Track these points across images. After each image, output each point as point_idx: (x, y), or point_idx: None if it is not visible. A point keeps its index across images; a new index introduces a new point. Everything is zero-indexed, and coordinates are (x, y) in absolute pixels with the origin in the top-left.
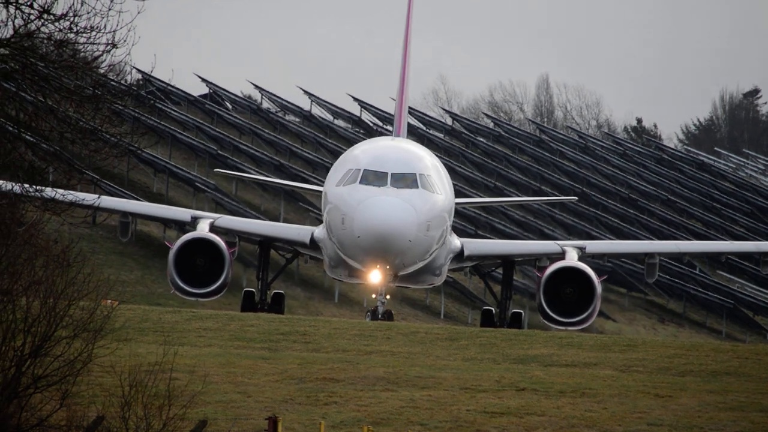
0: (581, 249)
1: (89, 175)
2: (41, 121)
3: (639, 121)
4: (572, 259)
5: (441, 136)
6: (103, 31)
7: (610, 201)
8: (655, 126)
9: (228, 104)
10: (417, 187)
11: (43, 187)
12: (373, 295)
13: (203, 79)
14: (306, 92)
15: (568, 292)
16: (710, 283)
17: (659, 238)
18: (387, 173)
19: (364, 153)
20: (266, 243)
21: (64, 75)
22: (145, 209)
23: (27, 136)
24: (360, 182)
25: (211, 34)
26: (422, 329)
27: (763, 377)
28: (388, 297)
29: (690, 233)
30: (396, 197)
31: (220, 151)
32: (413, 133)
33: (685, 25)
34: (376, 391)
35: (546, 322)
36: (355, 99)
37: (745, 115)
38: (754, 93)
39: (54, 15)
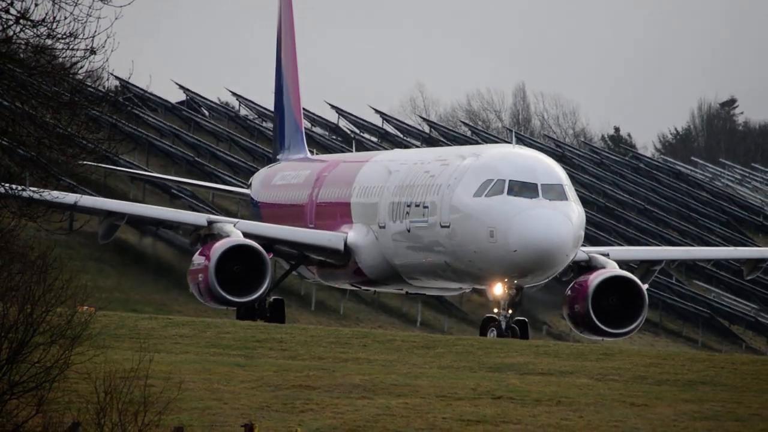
0: (605, 255)
1: (66, 181)
2: (18, 127)
3: (616, 129)
4: (614, 268)
5: (418, 144)
6: (81, 37)
7: (586, 209)
8: (630, 135)
9: (205, 111)
10: (566, 198)
11: (25, 188)
12: (495, 310)
13: (181, 86)
14: None
15: (612, 302)
16: (686, 292)
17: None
18: (537, 184)
19: (501, 162)
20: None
21: (41, 81)
22: (160, 214)
23: (4, 142)
24: (508, 193)
25: (189, 42)
26: (399, 337)
27: (738, 387)
28: (510, 311)
29: (666, 242)
30: (552, 210)
31: (197, 158)
32: (391, 141)
33: (663, 35)
34: (352, 398)
35: (585, 333)
36: (333, 106)
37: (722, 125)
38: (731, 103)
39: (32, 21)
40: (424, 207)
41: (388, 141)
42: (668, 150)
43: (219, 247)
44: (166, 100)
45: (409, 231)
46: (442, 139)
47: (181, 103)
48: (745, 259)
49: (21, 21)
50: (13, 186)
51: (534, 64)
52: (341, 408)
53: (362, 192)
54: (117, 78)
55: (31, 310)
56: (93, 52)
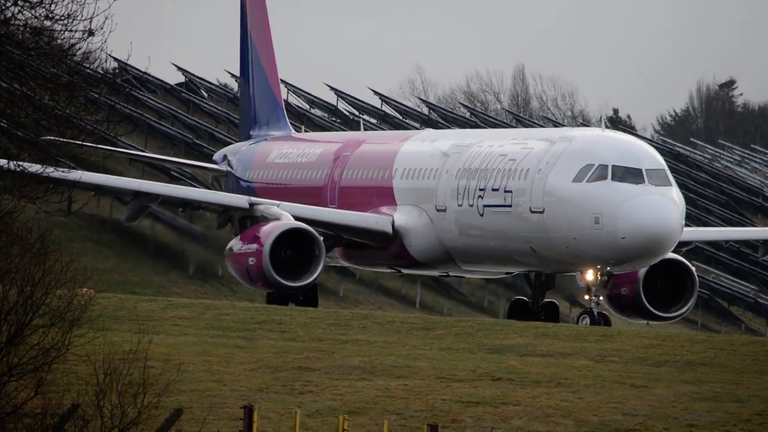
0: None
1: (65, 162)
2: (16, 108)
3: (615, 111)
4: None
5: (417, 125)
6: (79, 18)
7: None
8: (630, 117)
9: (204, 93)
10: (670, 184)
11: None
12: (586, 297)
13: (179, 68)
14: (282, 81)
15: (659, 284)
16: None
17: None
18: (641, 170)
19: (600, 146)
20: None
21: (40, 62)
22: (201, 196)
23: (2, 123)
24: (612, 179)
25: (188, 23)
26: (398, 319)
27: (737, 368)
28: (601, 298)
29: None
30: (660, 196)
31: (196, 140)
32: (390, 123)
33: (661, 17)
34: (351, 380)
35: (632, 317)
36: (332, 88)
37: (721, 106)
38: (730, 84)
39: (30, 2)
40: (506, 191)
41: (387, 122)
42: (667, 131)
43: (273, 230)
44: (164, 82)
45: (482, 215)
46: (441, 120)
47: (180, 84)
48: (763, 240)
49: (19, 2)
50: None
51: (533, 46)
52: (341, 389)
53: (408, 174)
54: (115, 59)
55: (30, 292)
56: (91, 33)
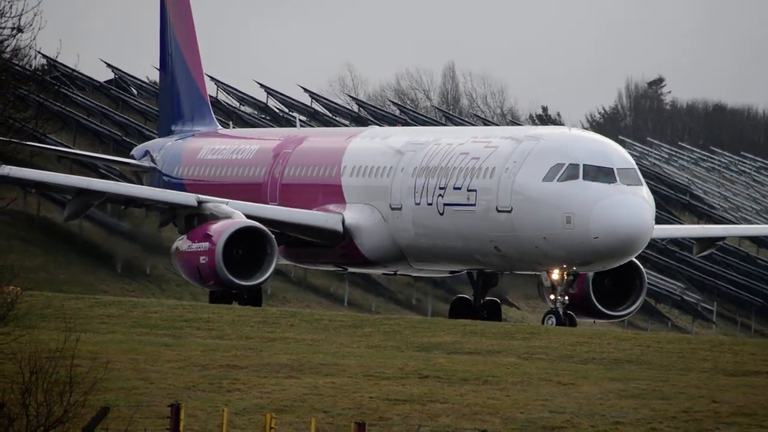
0: None
1: None
2: None
3: (544, 109)
4: None
5: (347, 123)
6: (8, 15)
7: None
8: (559, 115)
9: (134, 90)
10: (641, 183)
11: None
12: (551, 296)
13: (109, 65)
14: (212, 78)
15: (607, 283)
16: None
17: None
18: (613, 169)
19: (571, 145)
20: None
21: None
22: (147, 194)
23: None
24: (584, 178)
25: (117, 20)
26: (326, 316)
27: (664, 365)
28: (567, 298)
29: None
30: (633, 195)
31: (125, 137)
32: (320, 120)
33: (591, 14)
34: (279, 378)
35: (581, 316)
36: (262, 85)
37: (650, 104)
38: (659, 82)
39: None
40: (470, 190)
41: (317, 120)
42: (596, 129)
43: (225, 228)
44: (94, 79)
45: (442, 214)
46: (370, 118)
47: (110, 81)
48: (699, 237)
49: None
50: None
51: (463, 43)
52: (268, 387)
53: (358, 171)
54: (44, 56)
55: None
56: (20, 30)
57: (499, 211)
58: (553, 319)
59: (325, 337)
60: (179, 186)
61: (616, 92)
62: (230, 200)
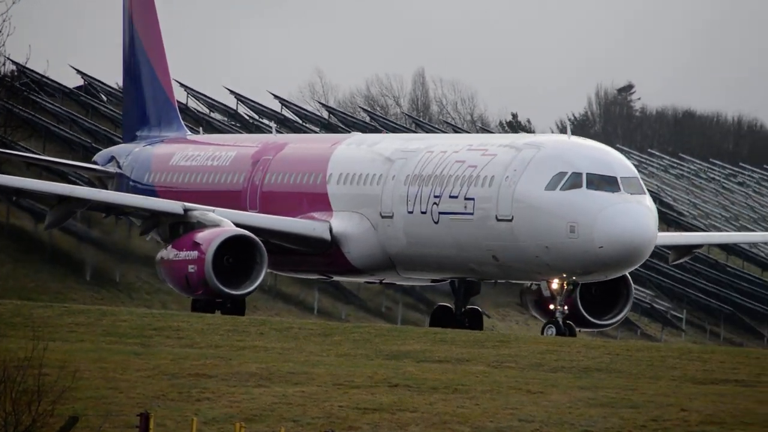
0: None
1: None
2: None
3: (514, 116)
4: None
5: (317, 130)
6: None
7: None
8: (530, 121)
9: (103, 96)
10: (644, 192)
11: None
12: (551, 306)
13: (78, 71)
14: (182, 85)
15: (594, 291)
16: None
17: None
18: (616, 177)
19: (573, 154)
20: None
21: None
22: (132, 201)
23: None
24: (587, 187)
25: (86, 26)
26: (296, 325)
27: (633, 373)
28: (566, 307)
29: None
30: (638, 204)
31: (95, 144)
32: (290, 127)
33: (559, 21)
34: (248, 387)
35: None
36: (231, 92)
37: (620, 111)
38: (629, 89)
39: None
40: (467, 198)
41: (287, 126)
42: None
43: (215, 236)
44: (63, 86)
45: (437, 222)
46: (340, 125)
47: (79, 88)
48: (673, 245)
49: None
50: None
51: (432, 50)
52: (238, 396)
53: (345, 179)
54: (13, 62)
55: None
56: None
57: (498, 220)
58: (553, 329)
59: (295, 346)
60: (150, 192)
61: (586, 99)
62: (217, 208)
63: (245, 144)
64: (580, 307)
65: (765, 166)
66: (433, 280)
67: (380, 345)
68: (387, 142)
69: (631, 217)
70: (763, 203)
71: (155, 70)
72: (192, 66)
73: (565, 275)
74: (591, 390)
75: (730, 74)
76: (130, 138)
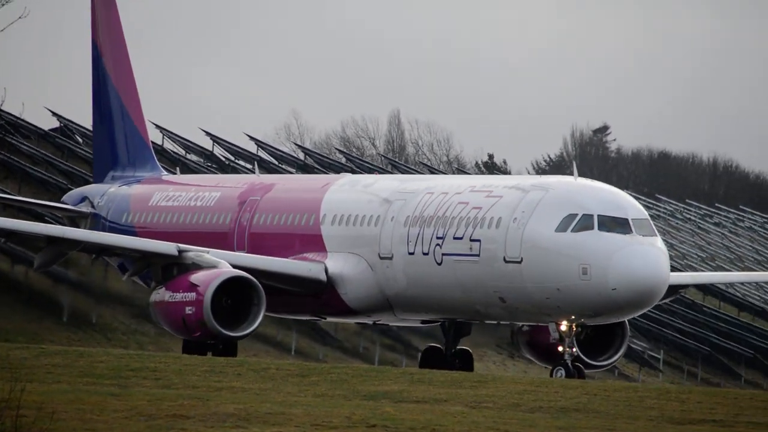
0: None
1: None
2: None
3: (490, 156)
4: None
5: (293, 171)
6: None
7: None
8: (506, 162)
9: (79, 138)
10: (655, 234)
11: None
12: (560, 348)
13: (54, 113)
14: (157, 126)
15: (589, 332)
16: None
17: None
18: (628, 219)
19: (582, 195)
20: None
21: None
22: (126, 242)
23: None
24: (599, 229)
25: (62, 68)
26: (273, 365)
27: (611, 414)
28: (575, 350)
29: None
30: (651, 246)
31: (70, 186)
32: (266, 168)
33: (534, 61)
34: (226, 427)
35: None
36: (207, 133)
37: (595, 152)
38: (604, 130)
39: None
40: (473, 240)
41: (263, 168)
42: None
43: (213, 278)
44: (39, 127)
45: (440, 264)
46: (317, 166)
47: (55, 130)
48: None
49: None
50: None
51: (407, 91)
52: None
53: (340, 220)
54: None
55: None
56: None
57: (507, 262)
58: (563, 371)
59: (272, 386)
60: (129, 233)
61: (562, 140)
62: (210, 249)
63: (230, 185)
64: (577, 348)
65: (741, 206)
66: (423, 321)
67: (358, 385)
68: (383, 183)
69: (645, 259)
70: (739, 243)
71: (128, 110)
72: (168, 108)
73: (574, 317)
74: (569, 430)
75: (705, 115)
76: (102, 178)
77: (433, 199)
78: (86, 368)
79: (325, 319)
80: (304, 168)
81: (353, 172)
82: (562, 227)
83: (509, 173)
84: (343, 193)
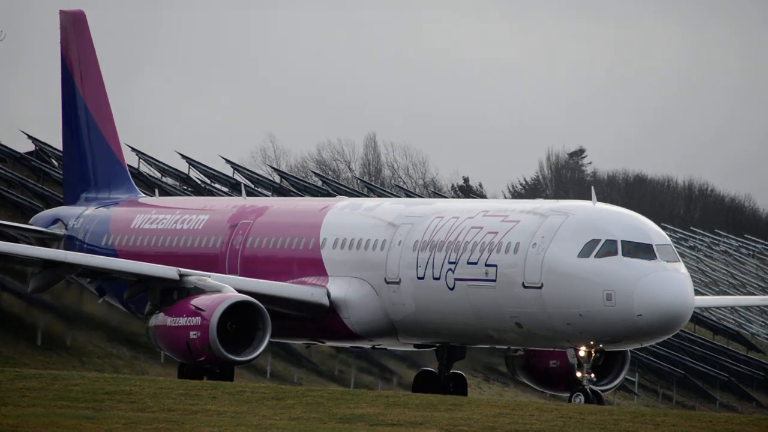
0: None
1: None
2: None
3: (465, 180)
4: None
5: (269, 194)
6: None
7: None
8: (481, 185)
9: (54, 161)
10: (678, 260)
11: None
12: (578, 374)
13: (29, 137)
14: (133, 149)
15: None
16: None
17: None
18: (652, 245)
19: (605, 221)
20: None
21: None
22: (125, 266)
23: None
24: (623, 254)
25: (37, 92)
26: (248, 388)
27: None
28: (593, 375)
29: None
30: (676, 272)
31: (46, 209)
32: (240, 191)
33: (509, 84)
34: None
35: (561, 391)
36: (183, 156)
37: (571, 175)
38: (580, 153)
39: None
40: (489, 265)
41: (238, 191)
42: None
43: (219, 302)
44: (14, 151)
45: (452, 289)
46: (293, 189)
47: (30, 153)
48: None
49: None
50: None
51: (383, 115)
52: None
53: (342, 244)
54: None
55: None
56: None
57: (526, 287)
58: (581, 398)
59: (248, 409)
60: (109, 255)
61: (537, 163)
62: (212, 273)
63: (218, 207)
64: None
65: (716, 230)
66: (417, 346)
67: (333, 408)
68: (386, 207)
69: (671, 285)
70: (714, 267)
71: (101, 130)
72: (144, 131)
73: (592, 342)
74: None
75: (681, 139)
76: (74, 199)
77: (443, 224)
78: (61, 391)
79: (324, 343)
80: (279, 191)
81: (329, 195)
82: (584, 252)
83: (485, 197)
84: (344, 216)
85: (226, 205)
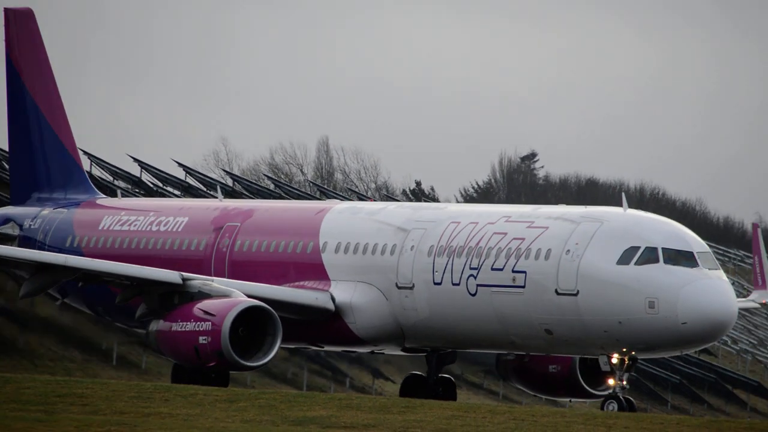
0: None
1: None
2: None
3: (417, 183)
4: None
5: (220, 197)
6: None
7: None
8: (433, 189)
9: (5, 164)
10: (719, 267)
11: None
12: (611, 381)
13: None
14: (85, 152)
15: (588, 361)
16: None
17: None
18: (693, 252)
19: (644, 228)
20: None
21: None
22: (125, 270)
23: None
24: (665, 262)
25: None
26: (201, 391)
27: None
28: (626, 382)
29: None
30: (718, 280)
31: None
32: (193, 194)
33: (462, 89)
34: None
35: (562, 396)
36: (135, 159)
37: (523, 179)
38: (532, 157)
39: None
40: (516, 272)
41: (191, 194)
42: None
43: (231, 306)
44: None
45: (474, 295)
46: (245, 192)
47: None
48: None
49: None
50: None
51: (335, 118)
52: None
53: (346, 248)
54: None
55: None
56: None
57: (559, 294)
58: (615, 405)
59: (200, 412)
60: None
61: (490, 167)
62: (215, 278)
63: (197, 209)
64: (579, 377)
65: None
66: (404, 350)
67: (286, 411)
68: (392, 211)
69: (716, 293)
70: None
71: (54, 130)
72: (95, 134)
73: (625, 350)
74: None
75: (632, 142)
76: (22, 199)
77: (461, 229)
78: (12, 394)
79: (323, 347)
80: (232, 194)
81: (281, 198)
82: (624, 260)
83: (437, 200)
84: (344, 220)
85: (206, 207)
